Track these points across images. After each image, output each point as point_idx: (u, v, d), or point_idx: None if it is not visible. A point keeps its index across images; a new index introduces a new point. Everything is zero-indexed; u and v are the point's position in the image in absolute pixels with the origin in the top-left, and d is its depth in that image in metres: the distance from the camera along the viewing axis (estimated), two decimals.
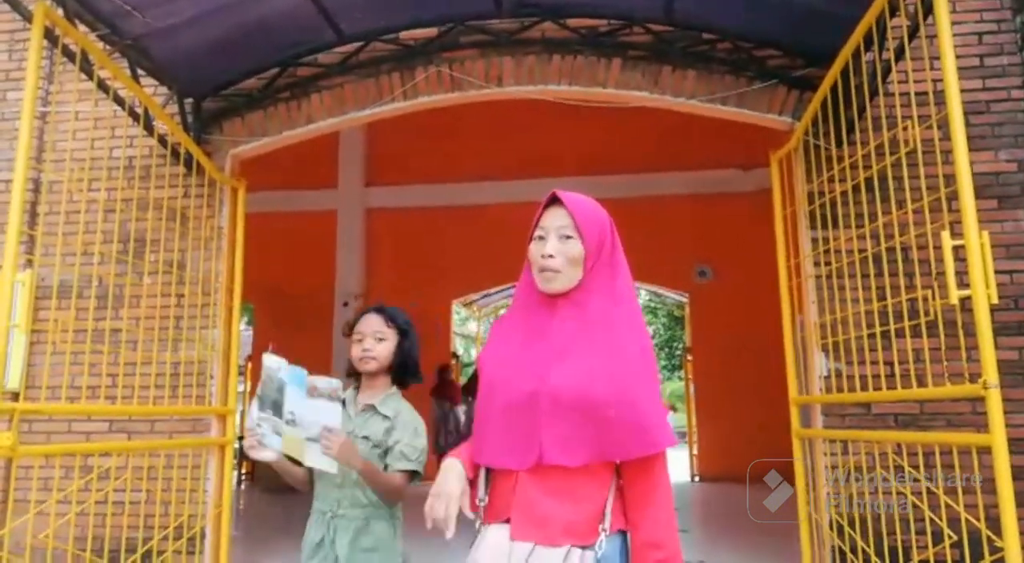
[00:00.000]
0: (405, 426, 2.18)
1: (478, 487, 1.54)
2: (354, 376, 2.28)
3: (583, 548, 1.40)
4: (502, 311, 14.04)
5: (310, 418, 1.97)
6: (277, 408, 2.00)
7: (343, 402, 2.03)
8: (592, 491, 1.45)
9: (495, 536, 1.45)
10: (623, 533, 1.46)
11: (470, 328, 18.27)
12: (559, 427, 1.42)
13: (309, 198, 10.53)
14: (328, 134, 5.18)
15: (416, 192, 10.42)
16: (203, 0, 3.82)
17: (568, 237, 1.50)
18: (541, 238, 1.53)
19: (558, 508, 1.43)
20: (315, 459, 1.98)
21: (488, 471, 1.55)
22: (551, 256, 1.49)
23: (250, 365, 11.09)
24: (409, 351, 2.27)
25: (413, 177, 10.39)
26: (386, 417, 2.19)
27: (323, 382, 1.98)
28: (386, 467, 2.14)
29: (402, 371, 2.28)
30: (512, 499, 1.46)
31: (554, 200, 1.54)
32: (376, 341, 2.20)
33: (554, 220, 1.52)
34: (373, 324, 2.23)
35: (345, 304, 9.89)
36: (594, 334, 1.48)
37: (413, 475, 2.15)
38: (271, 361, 2.02)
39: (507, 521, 1.45)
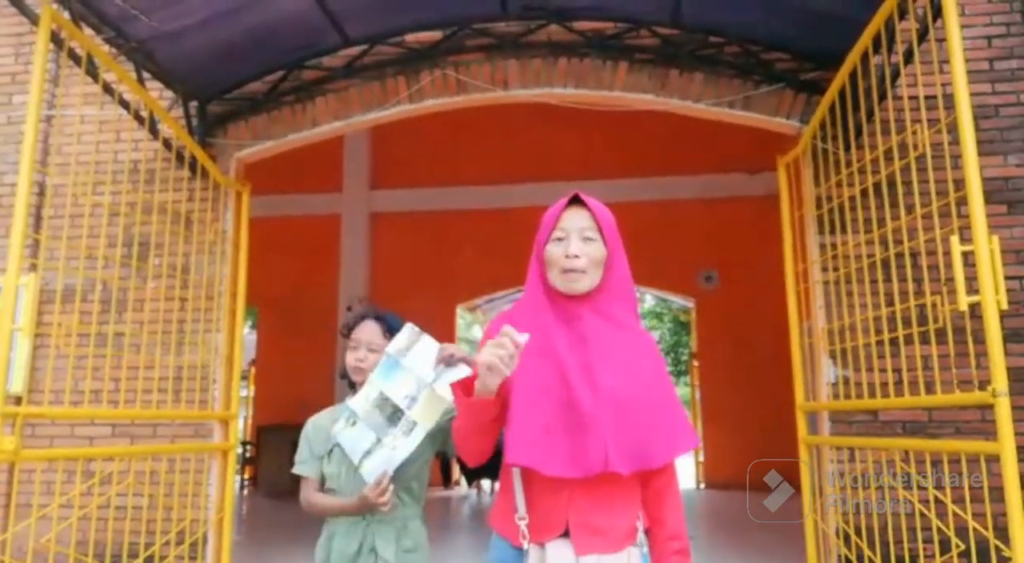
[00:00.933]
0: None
1: (517, 505, 1.50)
2: (348, 380, 2.23)
3: (634, 547, 1.47)
4: None
5: (420, 375, 1.97)
6: (393, 417, 2.01)
7: (419, 330, 2.05)
8: (634, 494, 1.50)
9: (558, 554, 1.44)
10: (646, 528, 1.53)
11: (475, 333, 18.26)
12: (623, 433, 1.43)
13: (314, 202, 10.54)
14: (333, 138, 5.18)
15: (421, 196, 10.43)
16: (209, 4, 3.83)
17: (590, 239, 1.50)
18: (560, 239, 1.51)
19: (613, 516, 1.47)
20: (448, 389, 2.00)
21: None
22: (577, 256, 1.48)
23: (253, 370, 11.09)
24: None
25: (418, 181, 10.40)
26: None
27: (402, 339, 2.02)
28: (443, 446, 2.13)
29: None
30: (563, 514, 1.46)
31: (572, 202, 1.54)
32: (369, 352, 2.15)
33: (576, 222, 1.51)
34: (369, 333, 2.18)
35: (349, 308, 9.88)
36: (623, 335, 1.51)
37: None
38: (356, 405, 2.04)
39: (560, 537, 1.46)
